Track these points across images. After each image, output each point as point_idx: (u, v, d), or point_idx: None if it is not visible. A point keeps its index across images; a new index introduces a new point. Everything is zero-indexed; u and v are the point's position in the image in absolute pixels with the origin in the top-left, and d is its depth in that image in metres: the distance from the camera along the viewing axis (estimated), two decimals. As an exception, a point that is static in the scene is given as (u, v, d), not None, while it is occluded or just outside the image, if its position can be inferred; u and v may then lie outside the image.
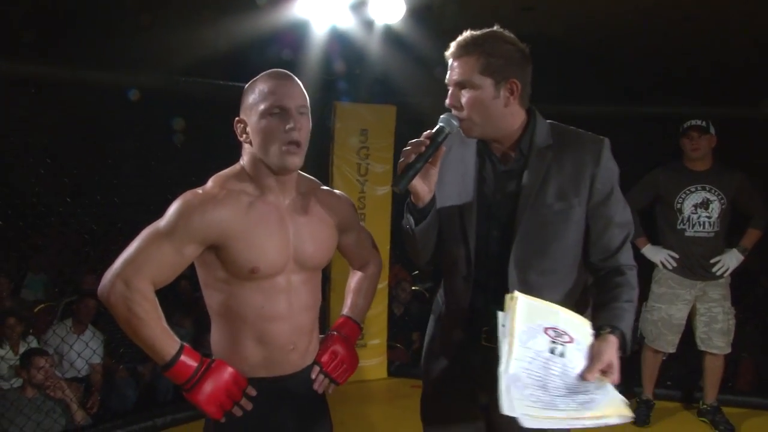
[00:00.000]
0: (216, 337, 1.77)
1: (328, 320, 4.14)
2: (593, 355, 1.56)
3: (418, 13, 3.99)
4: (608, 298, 1.71)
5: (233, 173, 1.72)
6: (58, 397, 3.71)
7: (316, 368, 1.83)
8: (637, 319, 4.61)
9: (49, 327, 4.47)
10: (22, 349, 3.99)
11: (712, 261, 3.72)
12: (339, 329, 1.92)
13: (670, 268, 3.78)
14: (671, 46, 5.12)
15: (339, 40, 4.15)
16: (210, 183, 1.71)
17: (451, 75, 1.71)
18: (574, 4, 4.33)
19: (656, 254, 3.83)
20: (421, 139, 1.66)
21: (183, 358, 1.60)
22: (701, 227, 3.71)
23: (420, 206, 1.73)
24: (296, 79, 1.70)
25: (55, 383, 3.72)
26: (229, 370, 1.65)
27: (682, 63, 5.53)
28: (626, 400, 1.55)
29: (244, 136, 1.69)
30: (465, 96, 1.68)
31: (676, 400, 4.25)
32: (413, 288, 5.65)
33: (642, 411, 3.95)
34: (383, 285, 4.55)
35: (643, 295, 4.10)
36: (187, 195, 1.64)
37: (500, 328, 1.57)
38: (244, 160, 1.72)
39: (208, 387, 1.62)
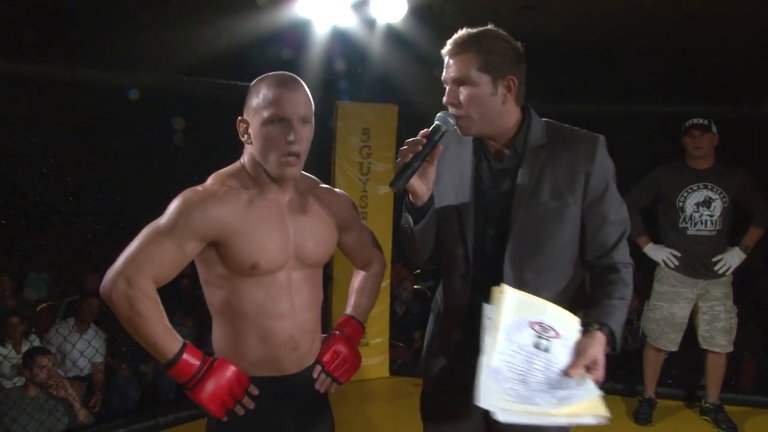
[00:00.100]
0: (217, 335, 1.77)
1: (330, 320, 4.14)
2: (578, 351, 1.56)
3: (419, 12, 3.99)
4: (600, 295, 1.71)
5: (234, 171, 1.73)
6: (61, 396, 3.72)
7: (318, 368, 1.83)
8: (639, 318, 4.62)
9: (52, 326, 4.48)
10: (24, 348, 4.01)
11: (714, 259, 3.72)
12: (342, 328, 1.92)
13: (672, 266, 3.78)
14: (672, 45, 5.12)
15: (340, 40, 4.16)
16: (210, 180, 1.71)
17: (449, 72, 1.71)
18: (574, 2, 4.33)
19: (658, 253, 3.83)
20: (418, 137, 1.67)
21: (185, 356, 1.60)
22: (703, 226, 3.71)
23: (418, 205, 1.73)
24: (302, 84, 1.68)
25: (58, 382, 3.73)
26: (232, 368, 1.65)
27: (683, 62, 5.53)
28: (603, 401, 1.53)
29: (246, 136, 1.69)
30: (463, 93, 1.68)
31: (679, 399, 4.25)
32: (415, 287, 5.66)
33: (644, 410, 3.95)
34: (385, 284, 4.54)
35: (646, 294, 4.11)
36: (187, 192, 1.65)
37: (485, 320, 1.57)
38: (245, 159, 1.73)
39: (211, 385, 1.61)
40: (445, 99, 1.72)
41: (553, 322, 1.59)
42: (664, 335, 3.84)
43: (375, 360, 4.59)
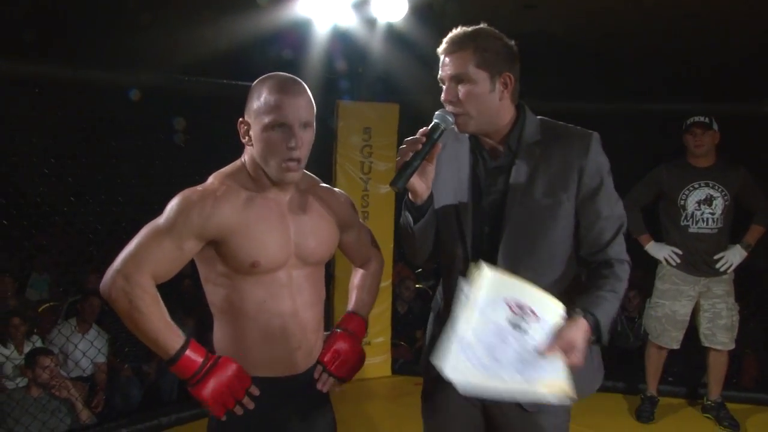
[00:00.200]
0: (218, 334, 1.76)
1: (332, 319, 4.14)
2: (557, 333, 1.55)
3: (420, 12, 3.99)
4: (591, 287, 1.71)
5: (234, 170, 1.73)
6: (64, 396, 3.72)
7: (319, 368, 1.82)
8: (640, 316, 4.62)
9: (54, 326, 4.48)
10: (26, 349, 4.00)
11: (715, 257, 3.72)
12: (343, 325, 1.91)
13: (674, 264, 3.78)
14: (673, 44, 5.12)
15: (341, 39, 4.16)
16: (210, 179, 1.71)
17: (446, 70, 1.71)
18: (574, 2, 4.33)
19: (660, 251, 3.83)
20: (417, 136, 1.67)
21: (188, 353, 1.59)
22: (705, 224, 3.72)
23: (418, 204, 1.73)
24: (304, 87, 1.67)
25: (60, 383, 3.73)
26: (234, 366, 1.64)
27: (683, 60, 5.53)
28: (569, 384, 1.53)
29: (247, 138, 1.69)
30: (462, 90, 1.69)
31: (681, 397, 4.26)
32: (417, 286, 5.66)
33: (646, 407, 3.95)
34: (387, 283, 4.55)
35: (648, 292, 4.11)
36: (186, 191, 1.65)
37: (461, 295, 1.57)
38: (246, 158, 1.72)
39: (213, 383, 1.60)
40: (443, 97, 1.73)
41: (533, 303, 1.58)
42: (666, 333, 3.85)
43: (377, 359, 4.59)
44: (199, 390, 1.60)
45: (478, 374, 1.49)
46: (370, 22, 4.02)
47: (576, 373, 1.79)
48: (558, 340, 1.53)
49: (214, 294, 1.73)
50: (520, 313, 1.55)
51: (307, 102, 1.66)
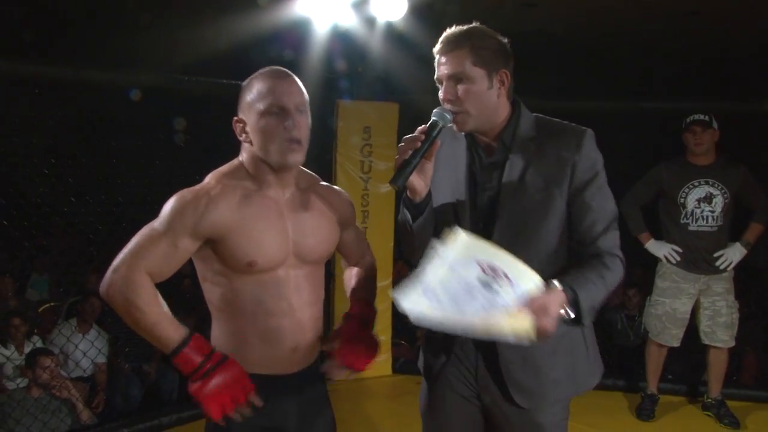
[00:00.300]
0: (216, 332, 1.76)
1: (333, 319, 4.14)
2: (529, 296, 1.51)
3: (419, 11, 3.99)
4: (577, 270, 1.68)
5: (231, 169, 1.73)
6: (64, 396, 3.72)
7: (330, 362, 1.80)
8: (641, 314, 4.63)
9: (54, 327, 4.48)
10: (27, 349, 4.01)
11: (715, 255, 3.73)
12: (351, 311, 1.88)
13: (674, 262, 3.79)
14: (672, 42, 5.12)
15: (341, 38, 4.16)
16: (207, 179, 1.71)
17: (444, 70, 1.72)
18: (574, 0, 4.33)
19: (660, 249, 3.83)
20: (416, 134, 1.68)
21: (187, 348, 1.58)
22: (704, 221, 3.72)
23: (416, 201, 1.73)
24: (294, 76, 1.70)
25: (61, 383, 3.73)
26: (239, 369, 1.61)
27: (683, 59, 5.53)
28: (531, 324, 1.47)
29: (244, 135, 1.69)
30: (460, 89, 1.69)
31: (681, 395, 4.26)
32: (417, 285, 5.65)
33: (647, 405, 3.95)
34: (387, 282, 4.55)
35: (648, 290, 4.11)
36: (182, 191, 1.65)
37: (431, 253, 1.55)
38: (243, 157, 1.73)
39: (213, 384, 1.57)
40: (442, 96, 1.73)
41: (508, 269, 1.54)
42: (666, 331, 3.85)
43: (377, 358, 4.57)
44: (199, 388, 1.57)
45: (437, 313, 1.46)
46: (370, 22, 4.02)
47: (571, 369, 1.80)
48: (530, 302, 1.49)
49: (211, 292, 1.73)
50: (492, 275, 1.52)
51: (298, 88, 1.68)
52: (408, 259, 2.18)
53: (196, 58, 4.45)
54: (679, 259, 3.77)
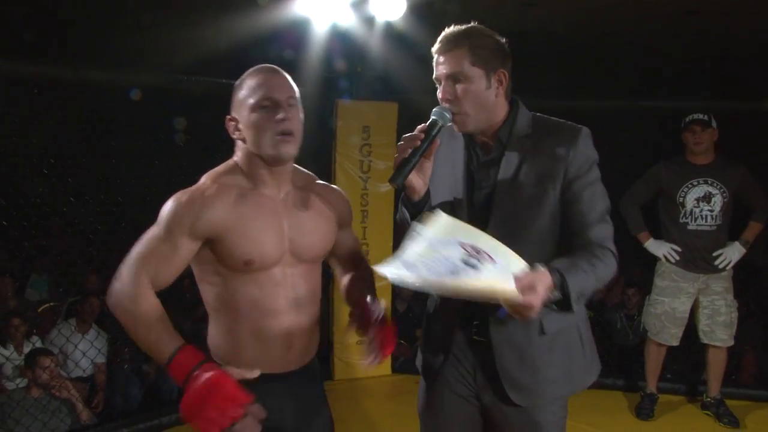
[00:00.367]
0: (213, 331, 1.76)
1: (332, 319, 4.14)
2: (515, 275, 1.48)
3: (418, 10, 3.99)
4: (566, 258, 1.66)
5: (226, 169, 1.73)
6: (64, 396, 3.72)
7: (369, 358, 1.77)
8: (640, 313, 4.63)
9: (54, 327, 4.48)
10: (26, 350, 4.01)
11: (714, 254, 3.73)
12: (364, 303, 1.83)
13: (673, 261, 3.79)
14: (672, 42, 5.11)
15: (340, 38, 4.16)
16: (202, 179, 1.72)
17: (442, 69, 1.72)
18: (574, -1, 4.33)
19: (659, 248, 3.84)
20: (415, 133, 1.68)
21: (174, 362, 1.57)
22: (703, 221, 3.72)
23: (415, 200, 1.74)
24: (283, 72, 1.71)
25: (61, 383, 3.74)
26: (227, 385, 1.52)
27: (683, 58, 5.53)
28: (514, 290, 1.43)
29: (237, 133, 1.70)
30: (459, 89, 1.70)
31: (680, 394, 4.27)
32: (416, 284, 5.65)
33: (646, 404, 3.96)
34: (386, 282, 4.54)
35: (647, 289, 4.11)
36: (178, 193, 1.66)
37: (412, 233, 1.55)
38: (238, 156, 1.73)
39: (198, 400, 1.52)
40: (440, 96, 1.73)
41: (491, 250, 1.52)
42: (665, 330, 3.85)
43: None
44: (187, 407, 1.53)
45: (418, 281, 1.44)
46: (369, 21, 4.02)
47: (567, 367, 1.80)
48: (516, 279, 1.46)
49: (207, 292, 1.73)
50: (475, 255, 1.50)
51: (288, 82, 1.69)
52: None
53: (195, 58, 4.45)
54: (678, 258, 3.78)
